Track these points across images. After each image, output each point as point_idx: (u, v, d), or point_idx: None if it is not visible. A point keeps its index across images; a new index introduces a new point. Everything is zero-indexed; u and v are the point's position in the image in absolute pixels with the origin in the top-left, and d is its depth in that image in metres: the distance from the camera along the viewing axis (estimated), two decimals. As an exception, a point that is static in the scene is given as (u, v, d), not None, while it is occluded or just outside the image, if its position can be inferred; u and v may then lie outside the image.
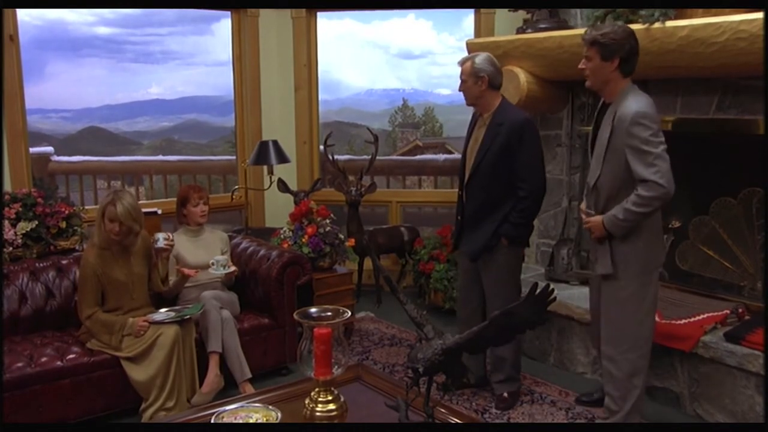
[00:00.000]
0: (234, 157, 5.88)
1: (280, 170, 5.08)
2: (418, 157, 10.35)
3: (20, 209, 3.85)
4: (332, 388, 2.44)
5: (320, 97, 5.80)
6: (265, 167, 5.03)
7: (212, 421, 2.26)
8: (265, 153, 4.82)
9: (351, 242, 4.76)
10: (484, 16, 5.17)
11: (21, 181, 4.37)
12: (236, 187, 5.58)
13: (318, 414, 2.39)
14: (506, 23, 4.89)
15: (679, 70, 3.52)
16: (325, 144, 5.14)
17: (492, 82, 3.37)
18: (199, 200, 3.95)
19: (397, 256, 5.50)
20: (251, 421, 2.27)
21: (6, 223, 3.79)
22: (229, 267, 3.85)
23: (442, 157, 7.49)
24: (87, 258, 3.47)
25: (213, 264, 3.78)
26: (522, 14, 4.50)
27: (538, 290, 1.90)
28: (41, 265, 3.82)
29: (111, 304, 3.51)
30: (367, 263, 5.33)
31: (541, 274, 4.53)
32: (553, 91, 4.29)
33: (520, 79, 4.08)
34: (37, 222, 3.87)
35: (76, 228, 4.05)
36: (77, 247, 4.04)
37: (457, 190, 3.69)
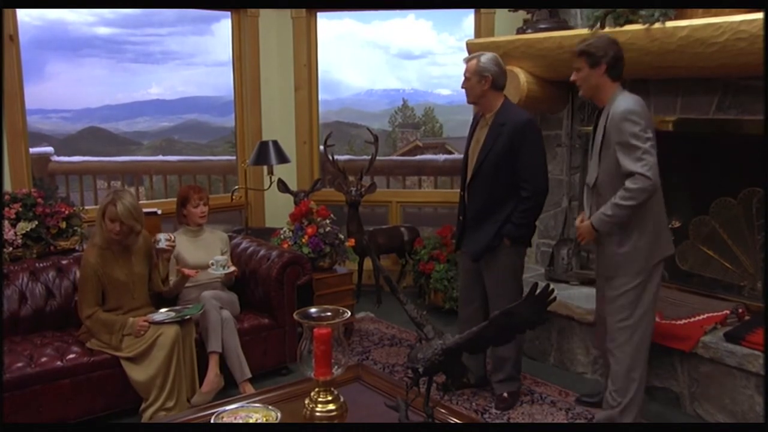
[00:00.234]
0: (234, 158, 5.88)
1: (280, 170, 5.09)
2: (418, 157, 10.35)
3: (20, 209, 3.85)
4: (332, 389, 2.44)
5: (320, 97, 5.80)
6: (265, 167, 5.03)
7: (212, 421, 2.26)
8: (265, 153, 4.82)
9: (351, 242, 4.76)
10: (484, 16, 5.17)
11: (21, 181, 4.37)
12: (236, 187, 5.58)
13: (318, 414, 2.39)
14: (506, 23, 4.89)
15: (679, 70, 3.52)
16: (325, 144, 5.14)
17: (495, 82, 3.37)
18: (199, 201, 3.95)
19: (397, 256, 5.50)
20: (251, 421, 2.27)
21: (6, 223, 3.79)
22: (228, 267, 3.85)
23: (442, 157, 7.49)
24: (87, 258, 3.46)
25: (212, 264, 3.78)
26: (522, 14, 4.50)
27: (538, 290, 1.90)
28: (41, 265, 3.82)
29: (111, 304, 3.51)
30: (367, 263, 5.33)
31: (541, 274, 4.53)
32: (553, 91, 4.29)
33: (520, 79, 4.08)
34: (37, 222, 3.87)
35: (76, 228, 4.05)
36: (77, 248, 4.05)
37: (457, 190, 3.69)
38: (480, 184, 3.44)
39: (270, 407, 2.35)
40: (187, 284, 3.82)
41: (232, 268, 3.88)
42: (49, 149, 6.65)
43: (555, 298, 1.97)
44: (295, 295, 4.00)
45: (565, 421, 3.44)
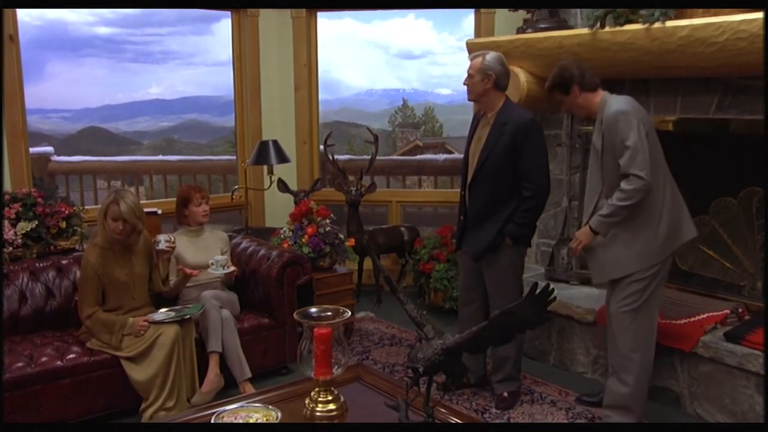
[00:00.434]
0: (234, 157, 5.88)
1: (280, 170, 5.09)
2: (418, 157, 10.36)
3: (20, 209, 3.85)
4: (332, 388, 2.45)
5: (320, 97, 5.80)
6: (265, 167, 5.03)
7: (212, 421, 2.26)
8: (265, 153, 4.82)
9: (351, 242, 4.76)
10: (484, 15, 5.17)
11: (21, 181, 4.37)
12: (236, 187, 5.58)
13: (318, 414, 2.39)
14: (506, 23, 4.89)
15: (680, 70, 3.52)
16: (325, 144, 5.14)
17: (498, 81, 3.36)
18: (201, 200, 3.96)
19: (397, 256, 5.50)
20: (251, 420, 2.27)
21: (6, 223, 3.79)
22: (228, 267, 3.85)
23: (441, 157, 7.49)
24: (88, 257, 3.47)
25: (212, 264, 3.78)
26: (522, 14, 4.50)
27: (538, 290, 1.90)
28: (41, 265, 3.82)
29: (111, 304, 3.51)
30: (367, 263, 5.33)
31: (541, 274, 4.53)
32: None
33: (520, 78, 4.08)
34: (37, 222, 3.87)
35: (76, 228, 4.05)
36: (77, 247, 4.05)
37: (458, 190, 3.69)
38: (481, 184, 3.44)
39: (270, 407, 2.35)
40: (187, 284, 3.82)
41: (232, 268, 3.88)
42: (49, 149, 6.65)
43: (555, 298, 1.97)
44: (295, 294, 4.00)
45: (565, 421, 3.44)
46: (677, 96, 3.88)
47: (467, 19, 5.49)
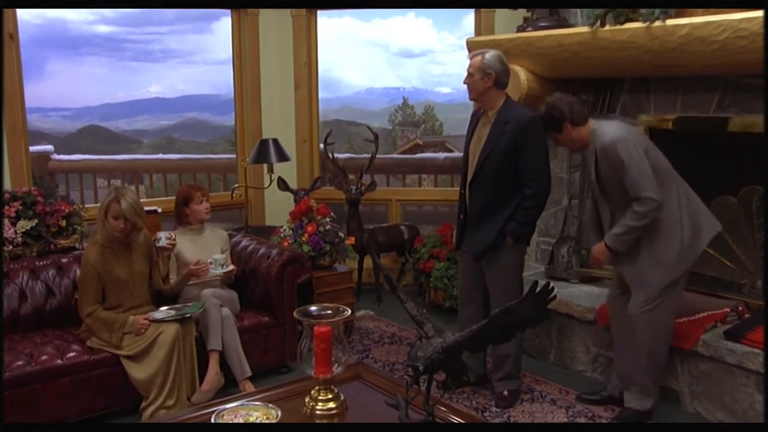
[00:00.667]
0: (234, 156, 5.88)
1: (280, 169, 5.08)
2: (418, 155, 10.37)
3: (20, 208, 3.85)
4: (332, 387, 2.45)
5: (320, 95, 5.80)
6: (265, 166, 5.03)
7: (212, 419, 2.26)
8: (265, 151, 4.82)
9: (351, 240, 4.76)
10: (485, 14, 5.17)
11: (21, 179, 4.37)
12: (236, 185, 5.58)
13: (318, 412, 2.40)
14: (506, 21, 4.88)
15: (680, 68, 3.52)
16: (325, 142, 5.14)
17: (498, 80, 3.36)
18: (202, 197, 3.96)
19: (397, 255, 5.50)
20: (251, 419, 2.27)
21: (6, 221, 3.80)
22: (227, 266, 3.85)
23: (442, 155, 7.49)
24: (88, 256, 3.47)
25: (211, 263, 3.78)
26: (522, 12, 4.49)
27: (538, 288, 1.90)
28: (41, 263, 3.82)
29: (111, 302, 3.51)
30: (367, 261, 5.33)
31: (541, 273, 4.53)
32: (553, 90, 4.27)
33: (520, 77, 4.08)
34: (37, 220, 3.87)
35: (76, 226, 4.05)
36: (77, 246, 4.05)
37: (458, 188, 3.68)
38: (482, 183, 3.43)
39: (270, 405, 2.35)
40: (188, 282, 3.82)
41: (231, 267, 3.88)
42: (49, 147, 6.65)
43: (555, 297, 1.97)
44: (295, 293, 4.00)
45: (566, 419, 3.44)
46: (677, 94, 3.88)
47: (467, 17, 5.49)
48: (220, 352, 3.62)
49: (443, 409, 2.41)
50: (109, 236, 3.47)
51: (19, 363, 3.24)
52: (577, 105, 3.23)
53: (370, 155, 5.18)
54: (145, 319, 3.45)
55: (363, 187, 5.07)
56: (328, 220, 4.50)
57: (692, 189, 3.41)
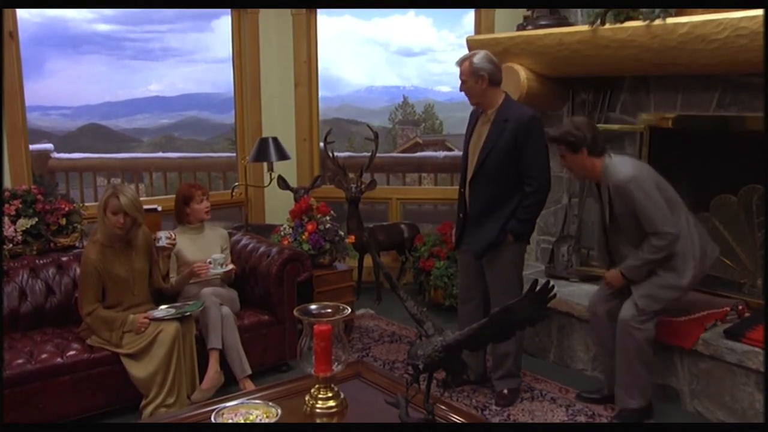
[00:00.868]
0: (234, 154, 5.88)
1: (280, 167, 5.08)
2: (418, 154, 10.35)
3: (20, 206, 3.85)
4: (332, 385, 2.45)
5: (320, 94, 5.80)
6: (265, 164, 5.03)
7: (212, 418, 2.26)
8: (265, 150, 4.82)
9: (351, 239, 4.76)
10: (485, 12, 5.16)
11: (21, 178, 4.37)
12: (236, 184, 5.58)
13: (318, 411, 2.40)
14: (506, 20, 4.88)
15: (680, 67, 3.51)
16: (325, 141, 5.13)
17: (492, 79, 3.36)
18: (203, 196, 3.96)
19: (397, 253, 5.50)
20: (251, 417, 2.27)
21: (6, 219, 3.79)
22: (226, 265, 3.84)
23: (442, 154, 7.49)
24: (88, 254, 3.47)
25: (210, 262, 3.78)
26: (522, 11, 4.49)
27: (538, 287, 1.90)
28: (41, 261, 3.82)
29: (111, 301, 3.52)
30: (367, 260, 5.33)
31: (541, 271, 4.53)
32: (553, 88, 4.29)
33: (520, 76, 4.08)
34: (37, 219, 3.86)
35: (76, 225, 4.05)
36: (77, 244, 4.05)
37: (457, 187, 3.68)
38: (482, 181, 3.43)
39: (270, 404, 2.35)
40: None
41: (230, 266, 3.88)
42: (49, 146, 6.65)
43: (555, 295, 1.97)
44: (295, 291, 4.00)
45: (566, 418, 3.44)
46: (677, 93, 3.88)
47: (467, 16, 5.49)
48: (220, 351, 3.62)
49: (443, 407, 2.41)
50: (110, 234, 3.47)
51: (20, 361, 3.24)
52: (600, 137, 3.25)
53: (370, 154, 5.18)
54: (145, 317, 3.45)
55: (363, 186, 5.07)
56: (328, 218, 4.50)
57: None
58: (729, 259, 3.84)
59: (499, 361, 3.60)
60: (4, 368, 3.14)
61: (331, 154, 5.12)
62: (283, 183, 4.93)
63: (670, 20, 3.32)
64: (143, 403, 3.38)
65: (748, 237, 3.75)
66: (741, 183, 3.71)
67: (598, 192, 3.36)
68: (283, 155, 4.87)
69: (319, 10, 5.61)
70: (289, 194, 4.94)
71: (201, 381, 3.55)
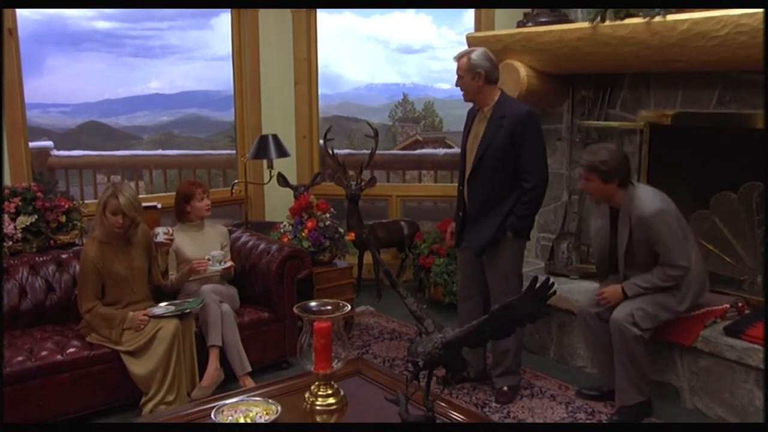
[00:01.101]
0: (234, 152, 5.87)
1: (280, 164, 5.08)
2: (418, 151, 10.35)
3: (20, 203, 3.85)
4: (332, 382, 2.45)
5: (320, 91, 5.80)
6: (264, 161, 5.03)
7: (212, 415, 2.26)
8: (265, 147, 4.82)
9: (351, 236, 4.76)
10: (485, 9, 5.15)
11: (21, 175, 4.37)
12: (236, 181, 5.58)
13: (318, 408, 2.40)
14: (507, 17, 4.87)
15: (680, 64, 3.51)
16: (324, 138, 5.13)
17: (489, 76, 3.35)
18: (203, 194, 3.96)
19: (397, 251, 5.50)
20: (251, 414, 2.27)
21: (6, 217, 3.79)
22: (225, 262, 3.84)
23: (441, 151, 7.49)
24: (87, 252, 3.47)
25: (209, 259, 3.78)
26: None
27: (538, 284, 1.90)
28: (41, 259, 3.82)
29: (111, 298, 3.52)
30: (367, 257, 5.33)
31: (541, 268, 4.53)
32: (553, 85, 4.29)
33: (520, 73, 4.08)
34: (36, 216, 3.86)
35: (75, 222, 4.05)
36: (77, 242, 4.04)
37: (456, 184, 3.68)
38: (480, 178, 3.43)
39: (270, 401, 2.35)
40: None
41: (229, 263, 3.88)
42: (49, 143, 6.64)
43: (555, 292, 1.97)
44: (295, 289, 4.00)
45: (565, 415, 3.44)
46: (677, 90, 3.87)
47: (467, 13, 5.47)
48: (220, 348, 3.62)
49: (443, 404, 2.42)
50: (108, 232, 3.47)
51: (19, 359, 3.24)
52: (631, 169, 3.30)
53: (369, 151, 5.18)
54: (145, 314, 3.45)
55: (363, 183, 5.06)
56: (327, 215, 4.50)
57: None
58: (729, 256, 3.84)
59: (499, 358, 3.60)
60: (4, 365, 3.14)
61: (331, 152, 5.11)
62: (282, 180, 4.93)
63: (670, 17, 3.32)
64: (143, 400, 3.38)
65: (748, 234, 3.75)
66: (741, 180, 3.71)
67: (612, 215, 3.39)
68: (282, 152, 4.87)
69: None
70: (289, 191, 4.94)
71: (201, 378, 3.55)
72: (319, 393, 2.42)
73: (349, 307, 2.51)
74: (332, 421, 2.39)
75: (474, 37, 4.44)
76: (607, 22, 3.58)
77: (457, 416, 2.39)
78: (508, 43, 4.12)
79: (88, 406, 3.38)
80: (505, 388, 3.60)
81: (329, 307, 2.46)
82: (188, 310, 3.54)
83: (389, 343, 4.42)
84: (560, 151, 4.53)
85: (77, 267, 3.73)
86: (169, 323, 3.43)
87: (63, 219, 3.97)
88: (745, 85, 3.55)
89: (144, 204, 3.71)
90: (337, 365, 2.43)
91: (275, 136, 4.88)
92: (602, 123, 4.23)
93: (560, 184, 4.53)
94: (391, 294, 4.81)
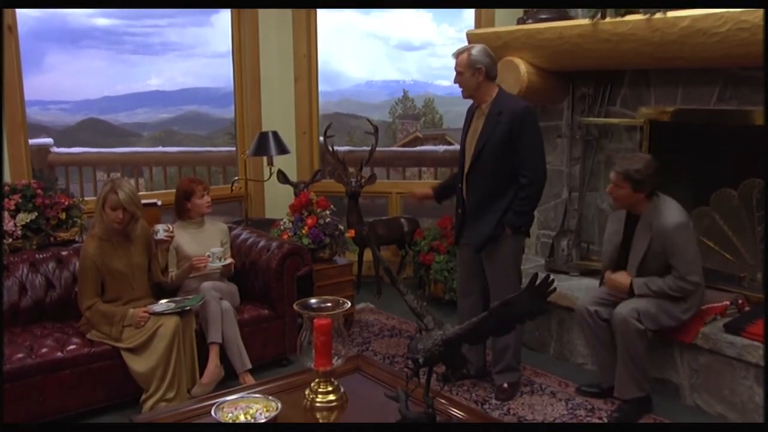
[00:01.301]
0: (234, 149, 5.87)
1: (280, 161, 5.07)
2: (418, 148, 10.37)
3: (20, 200, 3.85)
4: (332, 379, 2.45)
5: (320, 88, 5.79)
6: (264, 158, 5.02)
7: (212, 412, 2.26)
8: (265, 144, 4.81)
9: (351, 233, 4.76)
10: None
11: (21, 172, 4.37)
12: (236, 178, 5.58)
13: (318, 405, 2.40)
14: (507, 14, 4.87)
15: (681, 60, 3.51)
16: (324, 135, 5.13)
17: (488, 73, 3.36)
18: (204, 191, 3.96)
19: (397, 248, 5.49)
20: (251, 411, 2.27)
21: (6, 214, 3.79)
22: (225, 259, 3.84)
23: (441, 148, 7.49)
24: (87, 249, 3.47)
25: (209, 256, 3.77)
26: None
27: (538, 281, 1.90)
28: (41, 256, 3.82)
29: (111, 295, 3.52)
30: (367, 254, 5.33)
31: (541, 265, 4.53)
32: (553, 82, 4.28)
33: (520, 69, 4.07)
34: (36, 213, 3.86)
35: (75, 219, 4.05)
36: (77, 239, 4.04)
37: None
38: (479, 174, 3.43)
39: (270, 398, 2.36)
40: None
41: (229, 260, 3.88)
42: (49, 140, 6.64)
43: (555, 289, 1.97)
44: (295, 286, 4.00)
45: (565, 412, 3.45)
46: (678, 87, 3.87)
47: (467, 10, 5.46)
48: (220, 345, 3.62)
49: (443, 401, 2.42)
50: (108, 228, 3.47)
51: (20, 356, 3.24)
52: (660, 180, 3.29)
53: (369, 148, 5.17)
54: (145, 311, 3.45)
55: (363, 180, 5.06)
56: (327, 212, 4.50)
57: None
58: (729, 253, 3.84)
59: (499, 355, 3.60)
60: (5, 362, 3.14)
61: (330, 149, 5.11)
62: (282, 177, 4.93)
63: (671, 14, 3.32)
64: (143, 397, 3.39)
65: (748, 231, 3.75)
66: (741, 177, 3.71)
67: (628, 222, 3.40)
68: (282, 149, 4.86)
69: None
70: (289, 188, 4.94)
71: (201, 375, 3.55)
72: (319, 390, 2.43)
73: (349, 304, 2.52)
74: (332, 418, 2.40)
75: (474, 34, 4.44)
76: (608, 19, 3.57)
77: (457, 413, 2.39)
78: (509, 40, 4.11)
79: (89, 404, 3.39)
80: (505, 385, 3.60)
81: (329, 304, 2.47)
82: (188, 308, 3.54)
83: (389, 340, 4.42)
84: (560, 148, 4.53)
85: (77, 264, 3.73)
86: (169, 320, 3.43)
87: (63, 216, 3.97)
88: (746, 82, 3.54)
89: (144, 201, 3.71)
90: (337, 362, 2.43)
91: (275, 133, 4.88)
92: (602, 120, 4.23)
93: (560, 181, 4.53)
94: (391, 291, 4.80)
